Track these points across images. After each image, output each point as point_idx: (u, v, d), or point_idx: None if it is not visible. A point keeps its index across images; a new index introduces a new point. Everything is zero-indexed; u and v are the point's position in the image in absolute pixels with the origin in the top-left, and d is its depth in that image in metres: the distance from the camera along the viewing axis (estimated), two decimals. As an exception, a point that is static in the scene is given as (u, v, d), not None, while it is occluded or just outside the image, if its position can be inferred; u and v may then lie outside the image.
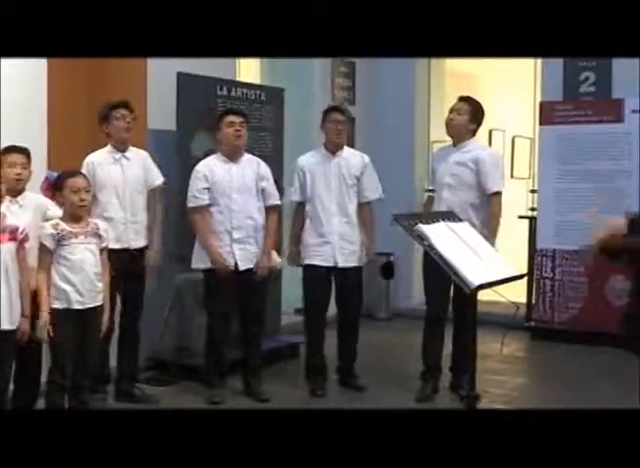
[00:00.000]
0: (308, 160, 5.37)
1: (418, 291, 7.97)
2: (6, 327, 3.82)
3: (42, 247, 4.09)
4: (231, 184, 5.06)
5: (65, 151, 5.08)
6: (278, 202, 5.30)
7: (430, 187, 5.45)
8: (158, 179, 5.08)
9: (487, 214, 5.07)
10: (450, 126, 5.17)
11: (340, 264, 5.25)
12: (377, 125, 7.96)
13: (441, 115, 8.45)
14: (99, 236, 4.25)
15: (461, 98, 5.22)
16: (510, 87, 9.19)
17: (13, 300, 3.85)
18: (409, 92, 8.13)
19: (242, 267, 5.06)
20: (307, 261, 5.31)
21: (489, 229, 4.96)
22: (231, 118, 5.10)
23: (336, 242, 5.25)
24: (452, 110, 5.19)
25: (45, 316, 4.02)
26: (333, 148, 5.35)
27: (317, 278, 5.29)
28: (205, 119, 5.56)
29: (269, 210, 5.23)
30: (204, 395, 5.12)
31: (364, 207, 5.38)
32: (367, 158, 5.43)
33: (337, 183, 5.28)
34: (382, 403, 5.01)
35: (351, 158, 5.39)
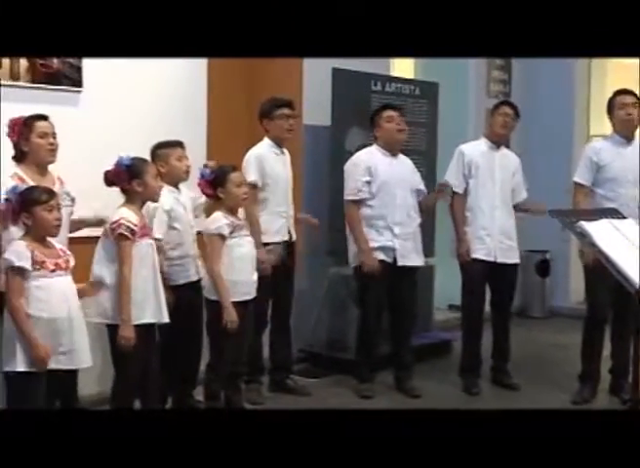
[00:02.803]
0: (472, 149, 5.24)
1: (575, 289, 7.75)
2: (152, 320, 3.87)
3: (216, 237, 4.17)
4: (394, 179, 5.05)
5: (223, 147, 5.21)
6: None
7: (580, 181, 4.94)
8: None
9: None
10: (633, 121, 4.91)
11: (499, 260, 5.16)
12: (534, 119, 7.74)
13: (602, 108, 8.20)
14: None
15: (630, 92, 4.97)
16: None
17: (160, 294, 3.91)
18: (568, 84, 7.87)
19: (400, 263, 5.04)
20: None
21: None
22: (390, 113, 5.09)
23: (496, 236, 5.16)
24: (626, 105, 4.89)
25: (227, 306, 4.13)
26: (497, 141, 5.26)
27: (477, 273, 5.19)
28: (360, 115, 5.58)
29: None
30: (355, 389, 5.15)
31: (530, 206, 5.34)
32: (517, 159, 5.37)
33: (501, 176, 5.18)
34: (537, 403, 4.88)
35: (510, 154, 5.34)
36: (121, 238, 3.70)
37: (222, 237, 4.14)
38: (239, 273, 4.21)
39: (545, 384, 5.32)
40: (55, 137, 3.92)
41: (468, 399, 5.09)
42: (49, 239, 3.57)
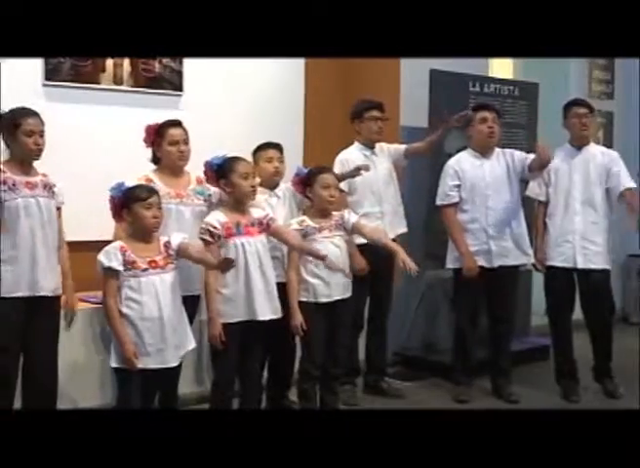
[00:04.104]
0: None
1: (680, 295, 7.51)
2: (266, 317, 3.95)
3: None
4: (485, 181, 4.98)
5: (320, 148, 5.25)
6: None
7: None
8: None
9: None
10: None
11: (580, 265, 4.99)
12: (637, 120, 7.54)
13: None
14: (343, 228, 4.32)
15: None
16: None
17: (271, 292, 3.97)
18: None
19: (496, 263, 4.96)
20: (548, 263, 5.08)
21: None
22: (484, 114, 5.01)
23: (577, 241, 5.00)
24: None
25: (292, 308, 4.13)
26: (578, 143, 5.11)
27: (558, 280, 5.07)
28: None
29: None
30: (451, 392, 5.10)
31: (627, 193, 4.91)
32: (614, 153, 5.15)
33: (582, 180, 5.04)
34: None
35: (598, 154, 5.12)
36: (202, 242, 3.83)
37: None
38: (316, 274, 4.19)
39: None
40: (186, 143, 4.13)
41: (567, 405, 4.97)
42: (156, 235, 3.69)
